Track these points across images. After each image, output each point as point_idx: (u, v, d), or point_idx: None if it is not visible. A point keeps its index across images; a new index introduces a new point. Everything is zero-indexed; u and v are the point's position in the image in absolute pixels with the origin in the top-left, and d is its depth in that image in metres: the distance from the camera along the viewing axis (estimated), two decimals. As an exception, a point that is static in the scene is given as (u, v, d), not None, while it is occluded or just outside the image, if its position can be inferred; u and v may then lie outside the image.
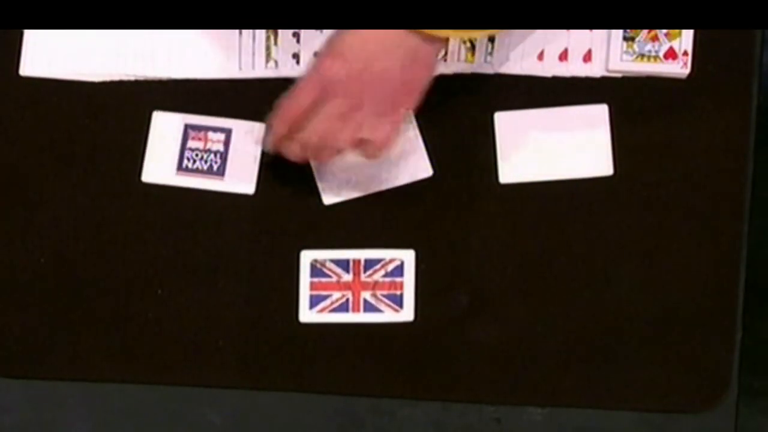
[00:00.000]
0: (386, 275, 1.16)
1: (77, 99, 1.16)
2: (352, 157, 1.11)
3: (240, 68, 1.16)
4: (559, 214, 1.16)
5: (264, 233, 1.16)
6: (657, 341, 1.15)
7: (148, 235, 1.16)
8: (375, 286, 1.16)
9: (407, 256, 1.16)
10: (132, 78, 1.16)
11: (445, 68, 1.15)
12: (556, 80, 1.16)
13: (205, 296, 1.16)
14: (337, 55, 1.04)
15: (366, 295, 1.16)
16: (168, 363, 1.15)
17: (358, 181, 1.15)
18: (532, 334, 1.15)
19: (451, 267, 1.15)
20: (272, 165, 1.15)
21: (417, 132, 1.15)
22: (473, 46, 1.16)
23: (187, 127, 1.16)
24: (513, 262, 1.15)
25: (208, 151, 1.16)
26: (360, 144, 1.08)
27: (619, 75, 1.16)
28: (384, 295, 1.15)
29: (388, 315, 1.16)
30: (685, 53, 1.15)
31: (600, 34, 1.16)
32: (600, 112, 1.16)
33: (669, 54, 1.15)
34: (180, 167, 1.16)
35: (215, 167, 1.16)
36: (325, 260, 1.16)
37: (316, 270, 1.16)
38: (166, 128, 1.16)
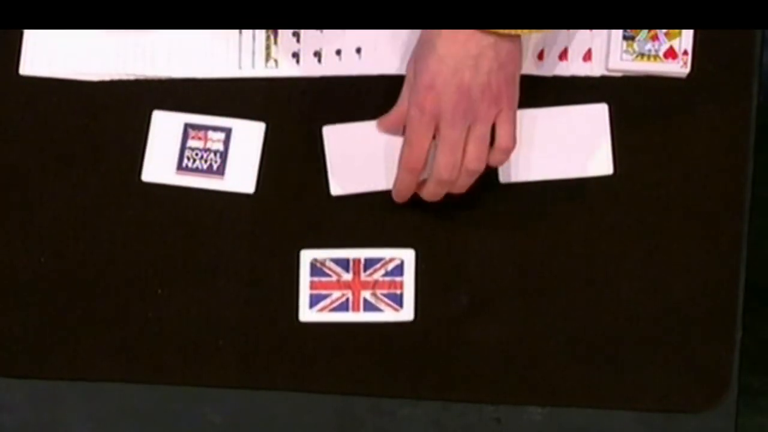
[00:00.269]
0: (386, 274, 1.16)
1: (77, 99, 1.16)
2: (365, 152, 1.11)
3: (240, 68, 1.16)
4: (559, 214, 1.16)
5: (264, 233, 1.16)
6: (657, 341, 1.15)
7: (148, 235, 1.16)
8: (375, 285, 1.16)
9: (407, 256, 1.16)
10: (132, 78, 1.16)
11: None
12: (556, 80, 1.16)
13: (205, 296, 1.16)
14: (428, 88, 1.04)
15: (366, 294, 1.16)
16: (168, 363, 1.15)
17: (368, 177, 1.15)
18: (532, 334, 1.15)
19: (451, 267, 1.15)
20: (272, 165, 1.15)
21: None
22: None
23: (187, 127, 1.16)
24: (513, 262, 1.15)
25: (208, 150, 1.16)
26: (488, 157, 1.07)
27: (619, 74, 1.16)
28: (384, 295, 1.15)
29: (388, 314, 1.16)
30: (685, 53, 1.15)
31: (600, 33, 1.16)
32: (600, 112, 1.16)
33: (669, 53, 1.15)
34: (180, 167, 1.16)
35: (215, 167, 1.16)
36: (325, 259, 1.16)
37: (316, 269, 1.16)
38: (166, 128, 1.16)
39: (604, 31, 1.16)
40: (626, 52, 1.15)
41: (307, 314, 1.15)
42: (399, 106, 1.09)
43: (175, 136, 1.16)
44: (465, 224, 1.15)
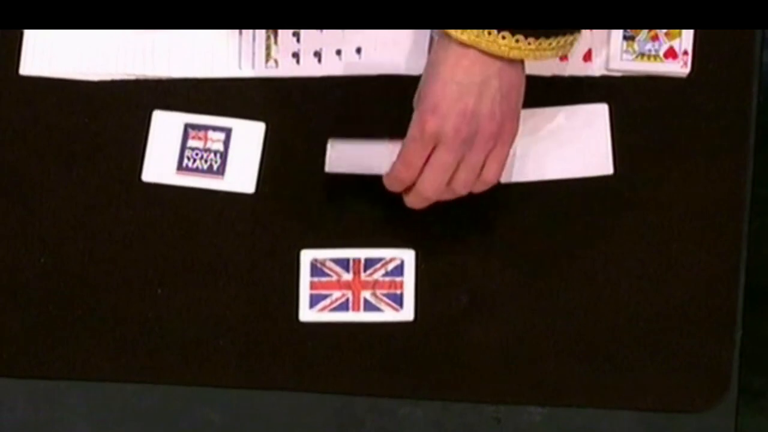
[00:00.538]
0: (386, 274, 1.16)
1: (77, 99, 1.16)
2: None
3: (240, 68, 1.16)
4: (559, 214, 1.16)
5: (264, 232, 1.16)
6: (657, 341, 1.15)
7: (148, 235, 1.16)
8: (375, 285, 1.16)
9: (407, 256, 1.16)
10: (132, 78, 1.16)
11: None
12: (556, 80, 1.16)
13: (205, 296, 1.16)
14: (431, 111, 1.03)
15: (366, 294, 1.16)
16: (168, 363, 1.15)
17: (365, 162, 1.14)
18: (532, 334, 1.15)
19: (451, 267, 1.15)
20: (272, 165, 1.15)
21: None
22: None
23: (187, 127, 1.16)
24: (513, 262, 1.15)
25: (208, 150, 1.16)
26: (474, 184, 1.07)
27: (619, 74, 1.16)
28: (384, 295, 1.15)
29: (388, 314, 1.16)
30: (685, 53, 1.15)
31: (600, 33, 1.16)
32: (600, 112, 1.16)
33: (669, 53, 1.15)
34: (180, 166, 1.16)
35: (215, 166, 1.16)
36: (325, 259, 1.16)
37: (316, 269, 1.16)
38: (166, 128, 1.16)
39: (604, 31, 1.16)
40: (626, 52, 1.15)
41: (307, 314, 1.16)
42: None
43: (175, 136, 1.16)
44: (465, 224, 1.15)
